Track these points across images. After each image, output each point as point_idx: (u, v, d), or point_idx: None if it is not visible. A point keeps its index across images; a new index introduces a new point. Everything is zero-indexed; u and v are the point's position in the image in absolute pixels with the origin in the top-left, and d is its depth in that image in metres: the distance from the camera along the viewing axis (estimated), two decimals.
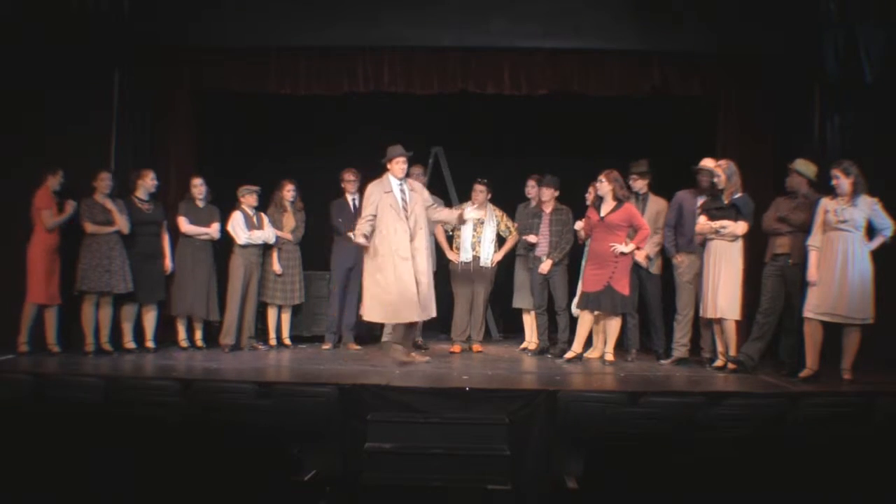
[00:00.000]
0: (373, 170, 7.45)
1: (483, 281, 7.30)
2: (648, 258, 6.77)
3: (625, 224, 6.36)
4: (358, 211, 7.32)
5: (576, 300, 6.82)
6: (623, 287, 6.35)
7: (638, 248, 6.50)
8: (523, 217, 7.37)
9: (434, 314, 6.48)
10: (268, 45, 7.40)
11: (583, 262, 6.98)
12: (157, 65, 7.45)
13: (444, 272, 7.52)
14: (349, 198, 7.40)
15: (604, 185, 6.42)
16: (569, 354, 6.54)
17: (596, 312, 6.44)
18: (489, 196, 7.28)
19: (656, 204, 6.86)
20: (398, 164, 6.34)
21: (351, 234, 7.01)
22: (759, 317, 6.12)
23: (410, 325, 6.49)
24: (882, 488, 3.37)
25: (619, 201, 6.39)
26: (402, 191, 6.35)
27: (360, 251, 7.11)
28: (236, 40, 7.34)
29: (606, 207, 6.43)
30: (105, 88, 7.22)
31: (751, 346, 6.09)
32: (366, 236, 6.25)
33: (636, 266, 6.69)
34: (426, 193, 6.60)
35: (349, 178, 7.38)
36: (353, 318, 7.35)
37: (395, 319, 6.33)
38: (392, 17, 7.23)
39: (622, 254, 6.32)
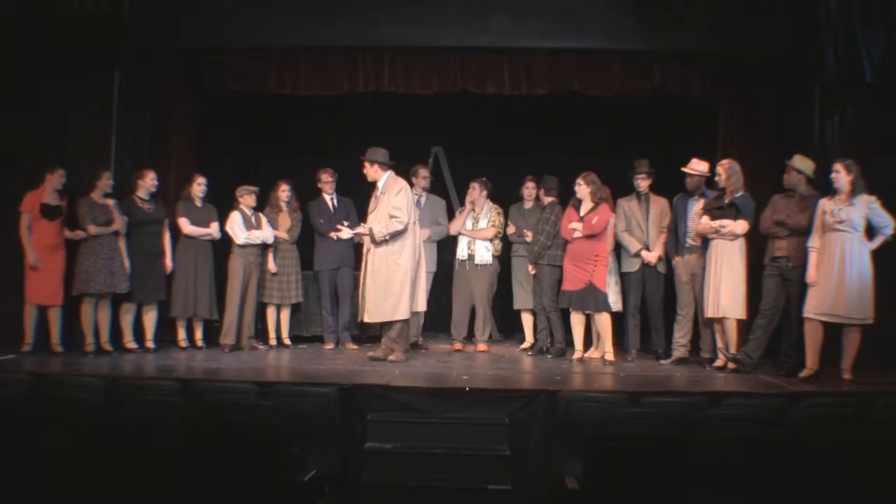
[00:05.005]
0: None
1: (480, 280, 7.23)
2: (659, 258, 6.78)
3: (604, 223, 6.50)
4: (337, 210, 7.31)
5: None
6: (603, 285, 6.50)
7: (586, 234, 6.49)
8: (517, 217, 7.36)
9: (396, 316, 6.25)
10: (268, 45, 7.40)
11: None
12: (157, 65, 7.45)
13: (442, 272, 7.52)
14: (327, 198, 7.37)
15: (582, 188, 6.57)
16: (576, 356, 6.65)
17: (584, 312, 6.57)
18: (483, 193, 7.26)
19: (659, 204, 6.86)
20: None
21: (333, 235, 6.99)
22: (760, 318, 6.11)
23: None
24: (882, 488, 3.37)
25: (596, 203, 6.51)
26: (375, 196, 6.42)
27: (347, 251, 7.17)
28: (236, 40, 7.34)
29: (586, 208, 6.56)
30: (105, 88, 7.22)
31: (750, 346, 6.09)
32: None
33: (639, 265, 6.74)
34: (393, 198, 6.26)
35: (326, 179, 7.34)
36: (347, 317, 7.35)
37: None
38: (392, 17, 7.23)
39: (575, 233, 6.48)
